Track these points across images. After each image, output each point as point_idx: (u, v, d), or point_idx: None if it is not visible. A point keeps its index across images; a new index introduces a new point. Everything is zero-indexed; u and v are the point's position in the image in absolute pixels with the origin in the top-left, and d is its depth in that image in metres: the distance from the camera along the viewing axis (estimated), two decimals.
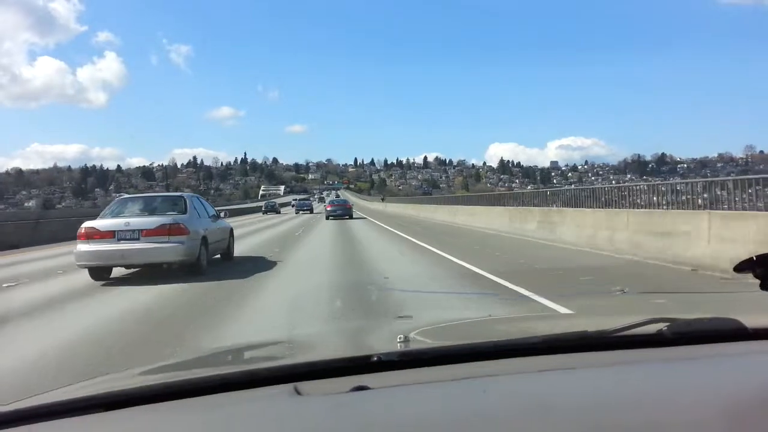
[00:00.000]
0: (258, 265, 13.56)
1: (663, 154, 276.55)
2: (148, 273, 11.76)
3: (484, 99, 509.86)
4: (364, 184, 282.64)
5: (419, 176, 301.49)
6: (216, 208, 15.41)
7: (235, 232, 16.48)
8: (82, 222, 11.83)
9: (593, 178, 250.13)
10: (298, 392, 1.40)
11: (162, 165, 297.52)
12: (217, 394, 1.45)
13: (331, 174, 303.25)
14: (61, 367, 5.49)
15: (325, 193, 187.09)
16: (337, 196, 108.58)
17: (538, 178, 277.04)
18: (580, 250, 14.86)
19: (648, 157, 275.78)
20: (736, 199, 11.49)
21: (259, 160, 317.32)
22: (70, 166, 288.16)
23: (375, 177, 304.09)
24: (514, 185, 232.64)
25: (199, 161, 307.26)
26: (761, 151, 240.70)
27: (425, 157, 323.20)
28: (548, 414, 1.23)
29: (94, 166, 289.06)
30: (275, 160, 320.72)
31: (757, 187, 11.12)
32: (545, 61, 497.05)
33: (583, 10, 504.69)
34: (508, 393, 1.41)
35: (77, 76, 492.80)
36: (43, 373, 5.34)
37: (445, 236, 21.91)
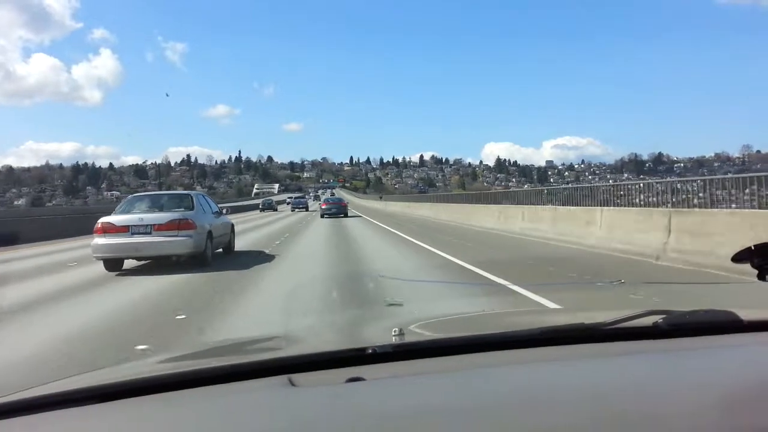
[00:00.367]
0: (257, 258, 14.50)
1: (660, 153, 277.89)
2: (158, 265, 12.67)
3: (479, 98, 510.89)
4: (360, 182, 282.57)
5: (415, 175, 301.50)
6: (219, 205, 16.72)
7: (235, 229, 17.37)
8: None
9: (590, 177, 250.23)
10: (292, 383, 1.41)
11: (155, 163, 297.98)
12: (210, 386, 1.46)
13: (326, 172, 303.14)
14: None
15: (320, 191, 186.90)
16: (332, 194, 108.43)
17: (535, 177, 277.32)
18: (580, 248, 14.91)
19: (645, 157, 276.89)
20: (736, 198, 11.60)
21: (254, 159, 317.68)
22: (61, 164, 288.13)
23: (371, 176, 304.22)
24: (510, 184, 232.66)
25: (193, 159, 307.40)
26: (758, 151, 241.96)
27: (421, 156, 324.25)
28: (545, 405, 1.23)
29: (86, 164, 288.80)
30: (270, 159, 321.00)
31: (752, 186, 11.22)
32: (541, 60, 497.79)
33: (579, 9, 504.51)
34: (504, 384, 1.42)
35: (72, 74, 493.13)
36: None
37: (444, 235, 21.48)
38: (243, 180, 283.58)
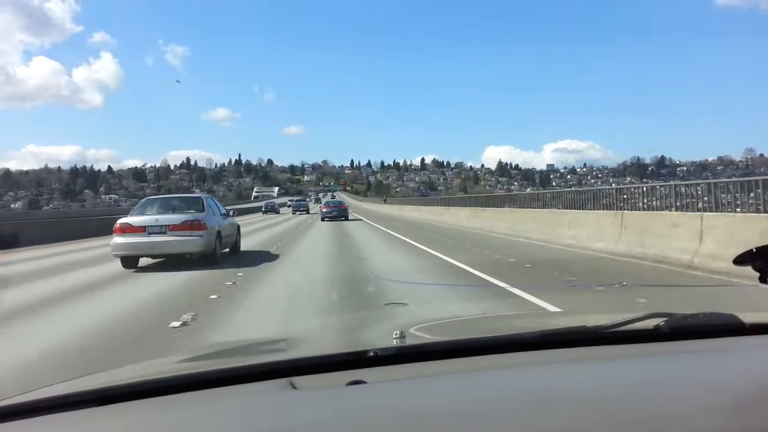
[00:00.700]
0: (263, 257, 15.66)
1: (662, 156, 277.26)
2: (171, 263, 13.75)
3: (479, 101, 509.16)
4: (361, 186, 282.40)
5: (417, 178, 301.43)
6: (225, 208, 17.63)
7: (240, 230, 18.34)
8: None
9: (592, 180, 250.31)
10: (293, 386, 1.42)
11: (155, 166, 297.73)
12: (211, 389, 1.47)
13: (327, 176, 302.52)
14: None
15: (321, 194, 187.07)
16: (333, 197, 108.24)
17: (537, 180, 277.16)
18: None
19: (647, 160, 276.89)
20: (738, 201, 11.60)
21: (254, 162, 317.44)
22: (59, 167, 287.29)
23: (371, 179, 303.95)
24: (513, 187, 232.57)
25: (193, 163, 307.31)
26: (761, 154, 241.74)
27: (422, 159, 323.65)
28: (547, 408, 1.24)
29: (84, 167, 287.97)
30: (270, 162, 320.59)
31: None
32: (541, 63, 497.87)
33: (577, 11, 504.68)
34: (506, 387, 1.43)
35: (73, 77, 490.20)
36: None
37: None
38: (243, 183, 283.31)
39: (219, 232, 14.49)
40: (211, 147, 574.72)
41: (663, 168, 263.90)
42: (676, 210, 13.28)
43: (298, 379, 1.47)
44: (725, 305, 7.06)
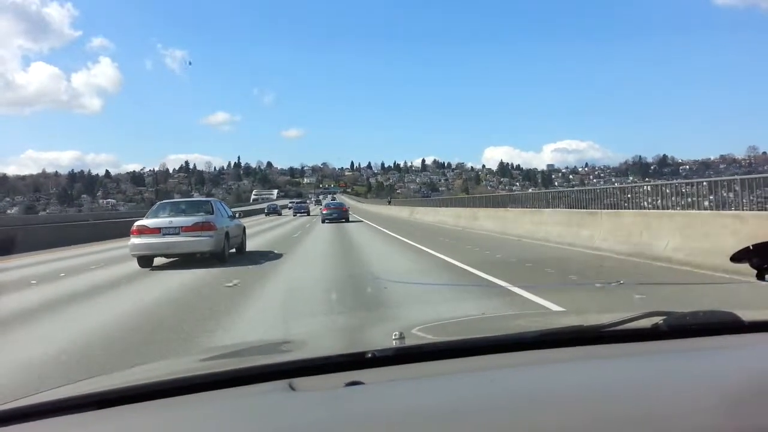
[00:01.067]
0: (267, 257, 16.74)
1: (664, 155, 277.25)
2: (182, 262, 14.93)
3: (478, 102, 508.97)
4: (361, 187, 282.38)
5: (417, 179, 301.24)
6: (232, 210, 18.90)
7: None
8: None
9: (595, 180, 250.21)
10: (292, 388, 1.43)
11: (153, 170, 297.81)
12: (210, 391, 1.48)
13: (326, 178, 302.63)
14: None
15: (321, 196, 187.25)
16: (333, 199, 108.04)
17: (539, 180, 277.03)
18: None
19: (650, 159, 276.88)
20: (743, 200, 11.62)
21: (253, 165, 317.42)
22: (57, 172, 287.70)
23: (372, 180, 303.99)
24: (514, 188, 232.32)
25: (192, 166, 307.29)
26: (764, 152, 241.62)
27: (423, 160, 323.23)
28: (545, 407, 1.25)
29: (82, 172, 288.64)
30: (269, 164, 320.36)
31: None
32: (539, 63, 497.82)
33: (575, 10, 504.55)
34: (505, 387, 1.43)
35: (71, 82, 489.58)
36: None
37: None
38: (242, 186, 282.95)
39: (227, 233, 15.66)
40: (210, 150, 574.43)
41: (665, 167, 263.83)
42: (681, 208, 13.30)
43: (296, 381, 1.48)
44: (724, 303, 7.10)
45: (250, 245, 19.81)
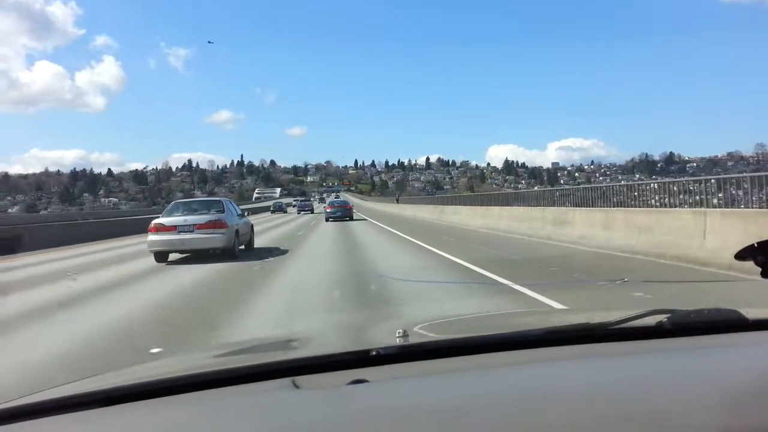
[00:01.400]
0: (274, 252, 17.85)
1: (671, 153, 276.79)
2: (195, 258, 15.94)
3: (482, 100, 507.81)
4: (365, 186, 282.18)
5: (422, 177, 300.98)
6: (240, 208, 20.01)
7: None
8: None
9: (601, 178, 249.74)
10: (296, 386, 1.44)
11: (156, 169, 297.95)
12: (214, 389, 1.49)
13: (330, 176, 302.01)
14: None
15: (325, 194, 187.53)
16: (337, 197, 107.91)
17: (545, 178, 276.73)
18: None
19: (656, 157, 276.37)
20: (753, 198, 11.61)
21: (256, 163, 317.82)
22: (59, 171, 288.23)
23: (376, 179, 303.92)
24: (520, 186, 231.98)
25: (195, 165, 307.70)
26: None
27: (427, 158, 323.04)
28: (549, 404, 1.26)
29: (84, 170, 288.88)
30: (272, 163, 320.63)
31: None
32: (543, 62, 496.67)
33: (580, 8, 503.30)
34: (509, 385, 1.44)
35: (75, 81, 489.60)
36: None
37: None
38: (244, 184, 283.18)
39: (237, 230, 16.80)
40: (214, 149, 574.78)
41: (672, 164, 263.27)
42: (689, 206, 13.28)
43: (300, 379, 1.49)
44: (728, 301, 7.11)
45: (258, 242, 20.74)
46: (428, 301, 8.65)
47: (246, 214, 20.05)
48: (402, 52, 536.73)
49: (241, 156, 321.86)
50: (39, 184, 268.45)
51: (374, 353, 1.63)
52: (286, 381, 1.48)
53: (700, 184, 14.26)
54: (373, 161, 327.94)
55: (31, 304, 9.73)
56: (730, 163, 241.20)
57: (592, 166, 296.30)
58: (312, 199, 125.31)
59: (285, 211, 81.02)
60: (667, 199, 15.18)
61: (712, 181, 13.99)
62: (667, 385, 1.33)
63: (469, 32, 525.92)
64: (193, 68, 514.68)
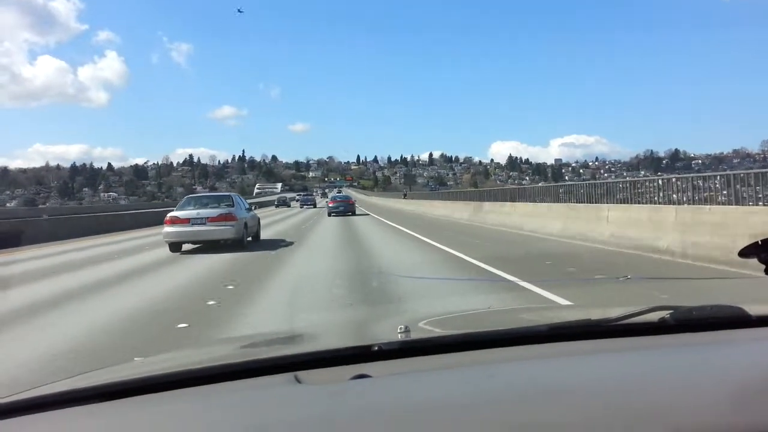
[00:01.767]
0: (280, 244, 19.02)
1: (676, 150, 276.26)
2: (207, 249, 17.12)
3: (485, 96, 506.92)
4: (368, 181, 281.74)
5: (425, 173, 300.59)
6: (248, 202, 21.51)
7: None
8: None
9: (606, 174, 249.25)
10: (298, 381, 1.45)
11: (157, 164, 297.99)
12: (215, 383, 1.50)
13: (332, 171, 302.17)
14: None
15: (327, 190, 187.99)
16: (339, 191, 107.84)
17: (549, 175, 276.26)
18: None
19: (661, 153, 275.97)
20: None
21: (258, 158, 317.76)
22: (58, 165, 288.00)
23: (378, 174, 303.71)
24: (524, 182, 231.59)
25: (196, 160, 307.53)
26: None
27: (430, 154, 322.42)
28: (552, 399, 1.27)
29: (84, 165, 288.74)
30: (274, 158, 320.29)
31: None
32: (546, 58, 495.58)
33: (584, 5, 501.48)
34: (510, 379, 1.46)
35: (78, 76, 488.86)
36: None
37: None
38: (246, 180, 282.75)
39: (245, 223, 18.18)
40: (217, 145, 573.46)
41: (678, 161, 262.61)
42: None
43: (302, 374, 1.50)
44: (731, 297, 7.12)
45: (264, 235, 22.01)
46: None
47: (253, 207, 21.58)
48: (405, 47, 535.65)
49: (243, 151, 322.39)
50: (38, 178, 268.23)
51: (376, 348, 1.64)
52: (288, 376, 1.49)
53: (705, 180, 14.28)
54: (376, 157, 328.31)
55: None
56: (736, 161, 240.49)
57: (596, 163, 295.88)
58: (315, 194, 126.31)
59: (289, 206, 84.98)
60: (674, 196, 15.03)
61: (718, 177, 14.03)
62: (670, 381, 1.35)
63: (472, 27, 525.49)
64: (196, 63, 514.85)
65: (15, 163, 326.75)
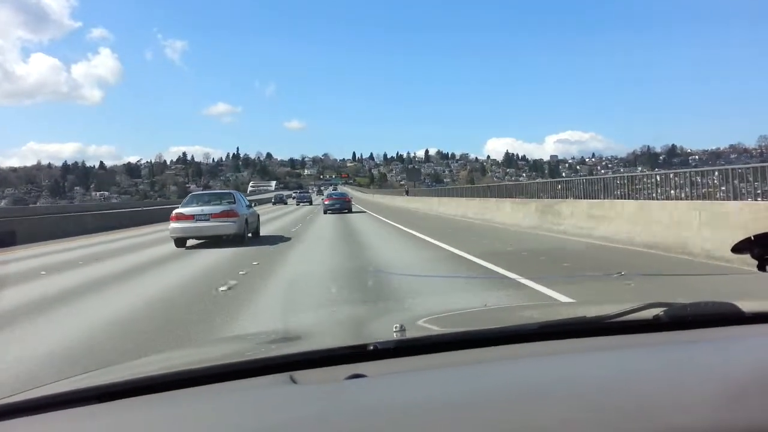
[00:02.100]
0: (279, 239, 20.05)
1: (673, 145, 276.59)
2: (210, 244, 17.96)
3: (479, 93, 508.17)
4: (363, 179, 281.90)
5: (422, 170, 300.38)
6: (248, 199, 23.00)
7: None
8: None
9: (603, 171, 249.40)
10: (293, 381, 1.46)
11: (150, 162, 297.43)
12: (211, 384, 1.50)
13: (328, 169, 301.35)
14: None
15: (322, 187, 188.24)
16: (335, 189, 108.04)
17: (546, 171, 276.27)
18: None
19: (658, 149, 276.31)
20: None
21: (253, 156, 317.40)
22: (50, 164, 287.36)
23: (375, 172, 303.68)
24: (521, 178, 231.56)
25: (190, 158, 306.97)
26: None
27: (426, 151, 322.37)
28: (546, 398, 1.27)
29: (76, 163, 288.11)
30: (269, 155, 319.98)
31: None
32: (542, 54, 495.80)
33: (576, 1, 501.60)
34: (504, 378, 1.46)
35: (72, 73, 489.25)
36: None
37: None
38: (240, 178, 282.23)
39: (246, 219, 19.19)
40: (212, 142, 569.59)
41: (674, 157, 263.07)
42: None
43: (298, 374, 1.51)
44: (725, 294, 7.20)
45: (263, 231, 22.95)
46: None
47: (254, 205, 22.99)
48: (400, 44, 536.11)
49: (237, 149, 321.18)
50: (30, 177, 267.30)
51: (372, 348, 1.65)
52: (283, 376, 1.50)
53: (702, 176, 14.26)
54: (372, 154, 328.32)
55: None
56: (733, 156, 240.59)
57: (593, 159, 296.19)
58: (310, 191, 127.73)
59: (285, 203, 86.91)
60: (672, 192, 15.01)
61: (716, 172, 14.05)
62: (664, 378, 1.35)
63: (466, 25, 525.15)
64: (191, 60, 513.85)
65: (10, 162, 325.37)
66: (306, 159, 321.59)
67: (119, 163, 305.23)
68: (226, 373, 1.58)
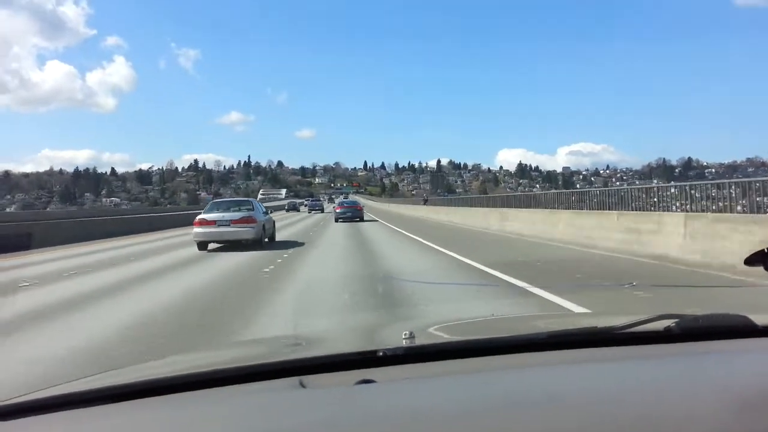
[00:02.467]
0: (294, 245, 21.32)
1: (689, 158, 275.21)
2: (230, 248, 19.08)
3: (492, 104, 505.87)
4: (375, 188, 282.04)
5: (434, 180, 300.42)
6: (264, 206, 25.17)
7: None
8: None
9: (618, 183, 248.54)
10: (303, 385, 1.47)
11: (161, 169, 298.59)
12: (221, 387, 1.52)
13: (339, 178, 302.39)
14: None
15: (333, 196, 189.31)
16: (346, 197, 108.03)
17: (560, 182, 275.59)
18: None
19: (674, 162, 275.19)
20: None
21: (264, 164, 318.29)
22: (61, 169, 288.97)
23: (386, 181, 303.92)
24: (535, 189, 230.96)
25: (202, 165, 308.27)
26: None
27: (438, 161, 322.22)
28: (555, 407, 1.27)
29: (87, 170, 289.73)
30: (280, 164, 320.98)
31: None
32: (554, 65, 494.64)
33: (592, 12, 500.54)
34: (514, 387, 1.46)
35: (86, 81, 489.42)
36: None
37: None
38: (250, 185, 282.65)
39: (263, 225, 20.63)
40: (224, 151, 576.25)
41: (690, 170, 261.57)
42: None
43: (307, 378, 1.52)
44: (737, 306, 7.21)
45: (278, 236, 24.18)
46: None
47: (270, 212, 25.16)
48: (413, 53, 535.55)
49: (248, 157, 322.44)
50: (41, 182, 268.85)
51: (381, 354, 1.66)
52: (293, 380, 1.51)
53: (719, 189, 14.19)
54: (383, 163, 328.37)
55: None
56: (750, 169, 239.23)
57: (607, 171, 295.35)
58: (322, 199, 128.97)
59: (298, 210, 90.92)
60: (688, 205, 14.90)
61: (733, 185, 13.97)
62: (675, 390, 1.35)
63: (479, 34, 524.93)
64: (204, 69, 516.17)
65: (24, 168, 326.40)
66: (317, 167, 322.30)
67: (132, 169, 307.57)
68: (236, 376, 1.60)
